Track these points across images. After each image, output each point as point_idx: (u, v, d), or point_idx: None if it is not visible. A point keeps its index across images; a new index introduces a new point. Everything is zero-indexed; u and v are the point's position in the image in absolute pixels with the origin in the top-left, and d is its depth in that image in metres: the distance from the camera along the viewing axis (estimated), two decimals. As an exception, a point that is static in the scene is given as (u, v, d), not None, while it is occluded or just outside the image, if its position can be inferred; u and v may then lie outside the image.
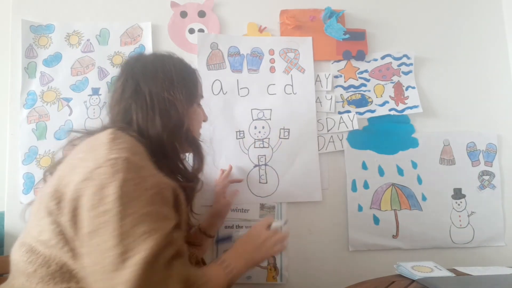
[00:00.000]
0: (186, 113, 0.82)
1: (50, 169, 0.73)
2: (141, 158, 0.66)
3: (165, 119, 0.77)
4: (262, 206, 1.30)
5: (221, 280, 0.78)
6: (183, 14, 1.37)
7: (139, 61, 0.84)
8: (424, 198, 1.35)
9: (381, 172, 1.36)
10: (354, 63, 1.40)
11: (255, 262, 0.87)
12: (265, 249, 0.88)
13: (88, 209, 0.58)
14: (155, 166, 0.69)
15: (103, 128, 0.75)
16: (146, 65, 0.82)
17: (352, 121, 1.36)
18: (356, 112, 1.37)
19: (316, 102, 1.36)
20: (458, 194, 1.37)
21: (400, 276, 1.05)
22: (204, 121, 0.97)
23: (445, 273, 1.03)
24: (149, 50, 1.33)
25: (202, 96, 0.94)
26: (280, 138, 1.34)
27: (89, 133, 0.76)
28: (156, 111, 0.77)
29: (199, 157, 0.88)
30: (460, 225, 1.36)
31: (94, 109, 1.30)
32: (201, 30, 1.36)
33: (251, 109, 1.34)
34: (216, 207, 1.17)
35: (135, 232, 0.57)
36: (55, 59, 1.31)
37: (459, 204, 1.36)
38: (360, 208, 1.33)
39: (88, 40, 1.33)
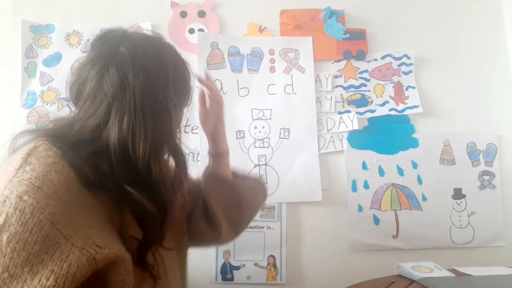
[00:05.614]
0: (177, 120, 0.64)
1: None
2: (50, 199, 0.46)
3: (158, 129, 0.58)
4: (263, 206, 1.30)
5: None
6: (183, 14, 1.37)
7: (124, 41, 0.61)
8: (424, 198, 1.35)
9: (381, 172, 1.36)
10: (354, 63, 1.40)
11: None
12: None
13: None
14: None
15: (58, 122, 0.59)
16: (135, 49, 0.60)
17: (352, 121, 1.35)
18: (356, 112, 1.37)
19: (316, 102, 1.36)
20: (458, 194, 1.37)
21: (400, 276, 1.05)
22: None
23: (445, 273, 1.03)
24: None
25: (190, 100, 0.72)
26: (280, 138, 1.33)
27: (38, 132, 0.56)
28: (148, 119, 0.57)
29: (181, 170, 0.67)
30: (460, 225, 1.35)
31: (94, 109, 1.30)
32: (201, 30, 1.36)
33: (251, 109, 1.34)
34: (208, 126, 0.86)
35: None
36: (55, 59, 1.31)
37: (459, 204, 1.36)
38: (360, 208, 1.33)
39: (88, 40, 1.33)
